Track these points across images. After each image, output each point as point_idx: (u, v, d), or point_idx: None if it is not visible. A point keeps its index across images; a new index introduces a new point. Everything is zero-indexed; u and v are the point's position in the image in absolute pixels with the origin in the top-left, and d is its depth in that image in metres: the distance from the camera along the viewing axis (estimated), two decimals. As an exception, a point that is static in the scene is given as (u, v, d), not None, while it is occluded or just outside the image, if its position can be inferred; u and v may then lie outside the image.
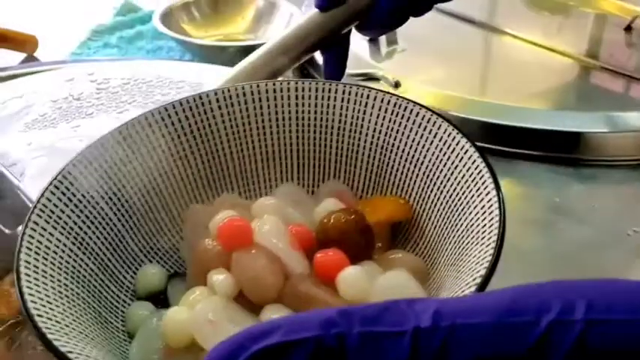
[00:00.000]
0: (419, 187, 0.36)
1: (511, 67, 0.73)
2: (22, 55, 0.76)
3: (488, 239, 0.29)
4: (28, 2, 0.91)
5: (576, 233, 0.50)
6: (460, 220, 0.32)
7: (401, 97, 0.37)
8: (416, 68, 0.71)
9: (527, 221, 0.52)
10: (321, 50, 0.51)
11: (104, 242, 0.34)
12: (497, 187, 0.31)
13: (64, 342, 0.26)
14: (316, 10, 0.49)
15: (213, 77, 0.63)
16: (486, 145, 0.58)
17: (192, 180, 0.38)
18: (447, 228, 0.34)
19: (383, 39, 0.74)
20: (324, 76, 0.53)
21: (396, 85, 0.63)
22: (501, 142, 0.58)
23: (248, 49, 0.71)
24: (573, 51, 0.74)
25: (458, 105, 0.61)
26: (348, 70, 0.66)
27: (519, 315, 0.20)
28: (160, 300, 0.35)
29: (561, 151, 0.57)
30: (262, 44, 0.72)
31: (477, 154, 0.33)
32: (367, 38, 0.74)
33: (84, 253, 0.32)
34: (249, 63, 0.48)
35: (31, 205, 0.32)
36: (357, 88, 0.37)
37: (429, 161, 0.35)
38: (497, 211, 0.30)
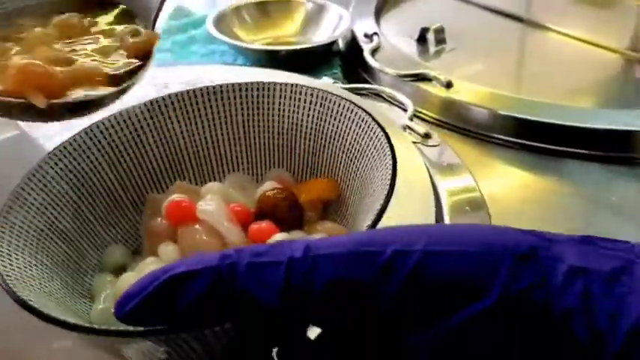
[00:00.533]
0: (344, 167, 0.41)
1: (560, 64, 0.74)
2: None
3: (381, 200, 0.33)
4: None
5: (633, 232, 0.51)
6: (369, 190, 0.37)
7: (326, 91, 0.41)
8: (465, 67, 0.73)
9: (580, 221, 0.53)
10: None
11: (73, 225, 0.39)
12: (394, 158, 0.35)
13: (27, 295, 0.30)
14: None
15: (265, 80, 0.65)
16: (539, 145, 0.59)
17: (152, 171, 0.43)
18: (362, 199, 0.39)
19: (432, 38, 0.75)
20: None
21: (448, 85, 0.64)
22: (553, 142, 0.59)
23: (298, 53, 0.74)
24: (620, 46, 0.75)
25: (510, 104, 0.62)
26: (399, 71, 0.68)
27: (370, 246, 0.24)
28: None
29: (615, 150, 0.57)
30: (312, 47, 0.75)
31: (381, 133, 0.37)
32: (415, 37, 0.76)
33: (53, 233, 0.37)
34: None
35: None
36: (292, 86, 0.42)
37: (350, 144, 0.40)
38: (389, 176, 0.34)
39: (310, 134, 0.42)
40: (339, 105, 0.40)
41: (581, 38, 0.77)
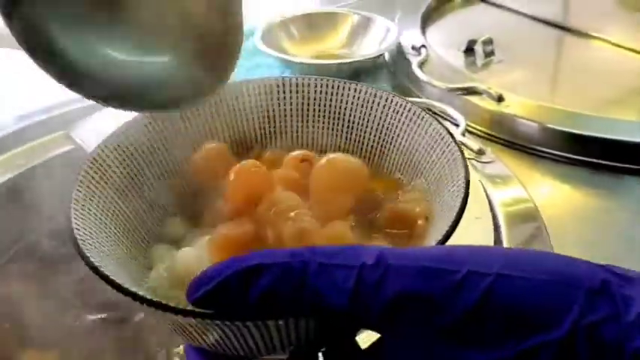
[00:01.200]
0: (407, 173, 0.40)
1: (610, 74, 0.73)
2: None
3: (451, 217, 0.33)
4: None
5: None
6: (436, 200, 0.37)
7: (399, 96, 0.40)
8: (514, 79, 0.72)
9: (633, 236, 0.52)
10: None
11: (140, 197, 0.40)
12: (467, 175, 0.34)
13: (99, 261, 0.31)
14: None
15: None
16: (593, 160, 0.59)
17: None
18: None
19: (479, 50, 0.75)
20: None
21: (499, 99, 0.63)
22: (608, 157, 0.58)
23: (344, 66, 0.74)
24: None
25: (563, 119, 0.61)
26: (448, 84, 0.67)
27: (444, 263, 0.24)
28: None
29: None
30: (360, 60, 0.75)
31: (455, 148, 0.36)
32: (463, 49, 0.76)
33: (123, 202, 0.38)
34: None
35: None
36: (366, 87, 0.41)
37: (418, 152, 0.39)
38: (462, 195, 0.33)
39: (379, 137, 0.42)
40: (410, 111, 0.40)
41: (631, 48, 0.76)
